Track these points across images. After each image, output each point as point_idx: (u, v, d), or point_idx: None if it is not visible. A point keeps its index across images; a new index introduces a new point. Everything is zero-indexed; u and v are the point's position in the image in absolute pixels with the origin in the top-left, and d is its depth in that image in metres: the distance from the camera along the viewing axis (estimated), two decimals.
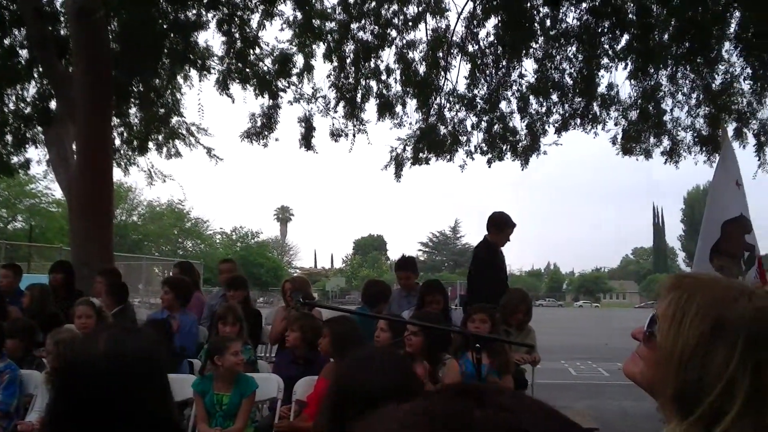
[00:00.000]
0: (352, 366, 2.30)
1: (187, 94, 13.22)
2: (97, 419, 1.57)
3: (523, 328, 6.77)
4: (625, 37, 11.28)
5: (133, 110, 12.83)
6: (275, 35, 11.17)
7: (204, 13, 11.26)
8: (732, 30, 10.75)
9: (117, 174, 14.18)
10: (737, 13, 10.37)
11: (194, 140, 13.54)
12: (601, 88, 12.08)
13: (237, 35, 11.63)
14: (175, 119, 13.36)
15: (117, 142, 12.80)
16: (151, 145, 13.31)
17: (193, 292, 7.36)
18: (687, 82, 11.84)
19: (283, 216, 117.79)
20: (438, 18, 11.95)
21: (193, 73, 12.45)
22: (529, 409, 0.60)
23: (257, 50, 11.93)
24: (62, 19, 11.18)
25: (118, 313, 6.52)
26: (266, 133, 12.66)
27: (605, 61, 11.58)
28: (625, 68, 11.57)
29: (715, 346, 1.21)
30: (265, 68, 12.15)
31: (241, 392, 4.99)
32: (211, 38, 12.65)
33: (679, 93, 11.99)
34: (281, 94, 12.45)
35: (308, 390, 5.08)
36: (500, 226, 7.28)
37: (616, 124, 12.44)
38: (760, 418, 1.16)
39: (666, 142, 12.53)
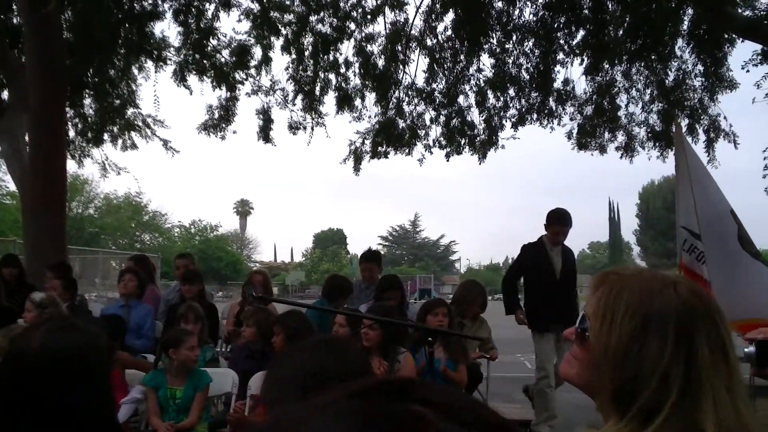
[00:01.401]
0: (316, 349, 2.28)
1: (143, 85, 13.07)
2: (29, 417, 1.55)
3: (475, 319, 6.88)
4: (581, 32, 11.43)
5: (87, 101, 12.64)
6: (233, 26, 11.11)
7: (160, 2, 11.12)
8: (684, 27, 10.94)
9: (72, 166, 13.99)
10: (690, 11, 10.53)
11: (150, 132, 13.38)
12: (557, 84, 12.23)
13: (194, 26, 11.50)
14: (130, 111, 13.19)
15: (71, 133, 12.59)
16: (106, 136, 13.13)
17: (147, 284, 7.31)
18: (641, 78, 12.05)
19: (243, 209, 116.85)
20: (396, 11, 11.96)
21: (149, 63, 12.31)
22: (456, 402, 0.61)
23: (214, 41, 11.81)
24: (14, 8, 10.96)
25: (71, 308, 6.46)
26: (224, 125, 12.58)
27: (561, 56, 11.73)
28: (580, 64, 11.74)
29: (648, 340, 1.23)
30: (223, 60, 12.05)
31: (194, 386, 4.97)
32: (167, 28, 12.48)
33: (634, 89, 12.20)
34: (239, 86, 12.36)
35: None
36: (547, 222, 7.22)
37: (571, 119, 12.63)
38: (696, 406, 1.18)
39: (621, 138, 12.74)
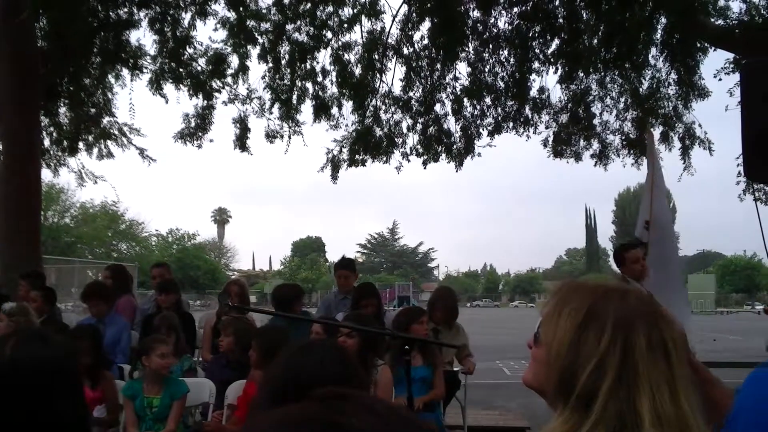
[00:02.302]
0: (293, 355, 2.29)
1: (119, 93, 12.98)
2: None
3: (451, 326, 6.88)
4: (556, 41, 11.53)
5: (62, 110, 12.54)
6: (209, 35, 10.98)
7: (136, 11, 11.07)
8: (658, 36, 11.07)
9: (47, 175, 13.86)
10: (663, 20, 10.66)
11: (126, 141, 13.31)
12: (533, 92, 12.32)
13: (170, 34, 11.47)
14: (106, 119, 13.11)
15: (46, 142, 12.49)
16: (81, 145, 13.03)
17: (117, 295, 7.20)
18: (615, 86, 12.16)
19: (221, 218, 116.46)
20: (373, 20, 11.98)
21: (125, 72, 12.24)
22: (393, 414, 0.63)
23: (191, 50, 11.78)
24: None
25: (46, 320, 6.39)
26: (200, 134, 12.53)
27: (536, 65, 11.83)
28: (555, 72, 11.85)
29: (588, 332, 1.29)
30: (199, 68, 12.02)
31: (171, 395, 4.96)
32: (143, 37, 12.40)
33: (608, 97, 12.32)
34: (216, 94, 12.33)
35: (240, 393, 5.07)
36: (617, 260, 6.40)
37: (547, 127, 12.73)
38: (633, 394, 1.23)
39: (595, 145, 12.85)
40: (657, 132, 11.82)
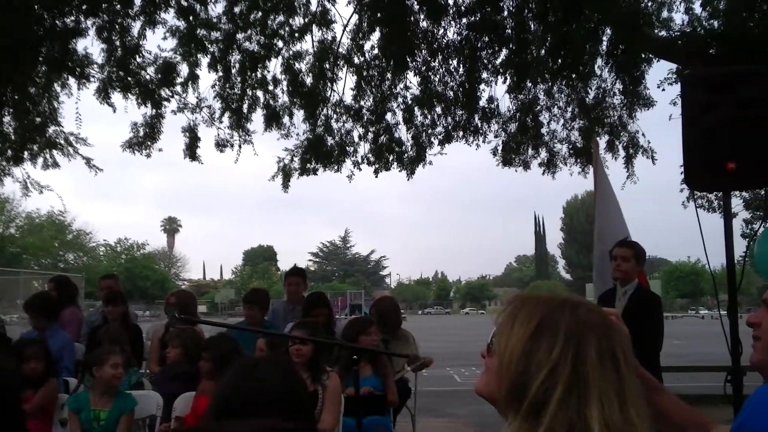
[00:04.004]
0: (235, 373, 2.30)
1: (65, 102, 12.74)
2: None
3: (396, 336, 6.91)
4: (504, 52, 11.69)
5: (7, 119, 12.27)
6: (158, 43, 10.86)
7: (83, 19, 10.91)
8: (603, 47, 11.30)
9: None
10: (608, 31, 10.89)
11: (73, 150, 13.06)
12: (482, 102, 12.44)
13: (118, 43, 11.32)
14: (52, 128, 12.85)
15: None
16: (26, 155, 12.76)
17: (60, 307, 7.08)
18: (562, 96, 12.36)
19: (171, 227, 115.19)
20: (324, 30, 12.01)
21: (72, 81, 12.02)
22: None
23: (139, 59, 11.64)
24: None
25: None
26: (149, 143, 12.38)
27: (485, 75, 11.97)
28: (504, 82, 12.00)
29: (540, 341, 1.31)
30: (148, 77, 11.88)
31: (119, 408, 4.91)
32: (90, 45, 12.19)
33: (555, 107, 12.51)
34: (165, 103, 12.19)
35: (188, 405, 5.04)
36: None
37: (496, 136, 12.86)
38: (582, 403, 1.25)
39: (543, 154, 13.05)
40: (603, 141, 12.07)
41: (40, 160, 12.94)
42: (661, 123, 10.79)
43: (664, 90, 11.58)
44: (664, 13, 10.78)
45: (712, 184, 4.58)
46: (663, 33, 10.75)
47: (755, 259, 7.88)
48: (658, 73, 11.70)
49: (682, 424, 1.83)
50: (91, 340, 6.53)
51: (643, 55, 11.11)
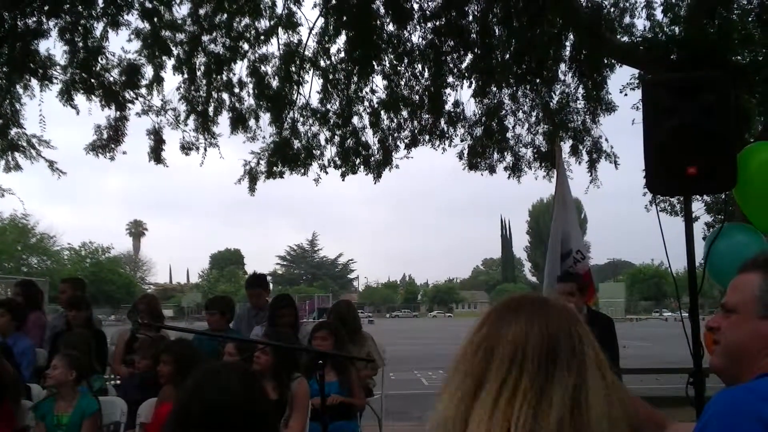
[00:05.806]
0: (197, 381, 2.30)
1: (27, 104, 12.55)
2: None
3: (355, 340, 6.92)
4: (469, 56, 11.77)
5: None
6: (122, 45, 10.72)
7: (45, 20, 10.77)
8: (567, 52, 11.43)
9: None
10: (571, 36, 11.02)
11: (35, 153, 12.87)
12: (448, 106, 12.53)
13: (81, 44, 11.19)
14: (14, 131, 12.65)
15: None
16: None
17: (28, 313, 7.01)
18: (527, 100, 12.48)
19: (136, 230, 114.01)
20: (290, 32, 12.01)
21: (34, 82, 11.85)
22: None
23: (103, 60, 11.52)
24: None
25: None
26: (113, 145, 12.26)
27: (451, 79, 12.03)
28: (469, 86, 12.08)
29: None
30: (112, 79, 11.76)
31: (82, 413, 4.88)
32: (53, 47, 11.99)
33: (520, 111, 12.63)
34: (129, 105, 12.08)
35: (152, 412, 5.01)
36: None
37: (462, 140, 12.96)
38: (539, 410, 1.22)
39: (509, 158, 13.14)
40: (567, 146, 12.21)
41: (2, 163, 12.71)
42: (624, 127, 10.97)
43: (626, 95, 11.81)
44: (627, 19, 10.96)
45: (673, 189, 4.65)
46: (625, 38, 10.92)
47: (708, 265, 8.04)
48: (621, 78, 11.90)
49: (639, 423, 1.86)
50: (54, 345, 6.45)
51: (605, 60, 11.25)
